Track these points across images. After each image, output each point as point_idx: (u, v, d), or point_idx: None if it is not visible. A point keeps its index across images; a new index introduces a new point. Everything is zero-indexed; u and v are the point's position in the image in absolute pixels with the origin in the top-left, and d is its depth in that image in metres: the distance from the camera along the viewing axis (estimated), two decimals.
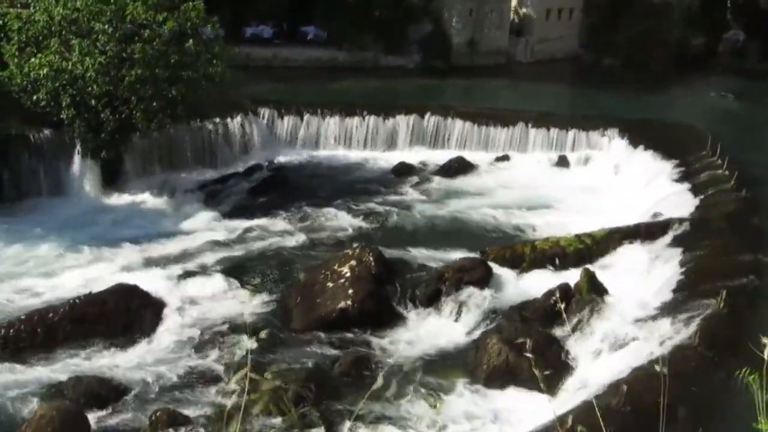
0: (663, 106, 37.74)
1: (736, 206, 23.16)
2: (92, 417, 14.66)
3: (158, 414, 14.62)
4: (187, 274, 20.62)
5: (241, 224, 24.46)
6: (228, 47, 27.65)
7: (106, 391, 15.56)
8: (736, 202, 23.43)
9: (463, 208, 26.67)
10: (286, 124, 32.52)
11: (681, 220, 22.10)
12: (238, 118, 30.50)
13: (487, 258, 20.73)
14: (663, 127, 32.20)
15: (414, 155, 32.02)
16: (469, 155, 31.48)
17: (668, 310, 17.08)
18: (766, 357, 4.18)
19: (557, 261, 20.09)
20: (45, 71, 23.73)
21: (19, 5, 27.72)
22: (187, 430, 14.45)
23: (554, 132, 32.13)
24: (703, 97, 42.65)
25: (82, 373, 16.15)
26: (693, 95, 42.65)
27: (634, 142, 30.27)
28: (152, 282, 19.70)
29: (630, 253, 20.89)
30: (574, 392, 15.01)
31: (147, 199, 26.22)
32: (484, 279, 19.50)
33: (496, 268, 20.17)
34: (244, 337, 17.52)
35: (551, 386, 15.52)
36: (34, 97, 24.04)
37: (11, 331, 17.22)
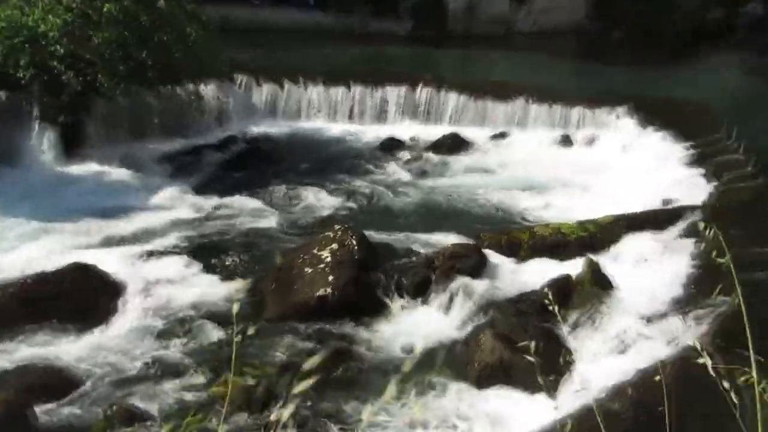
0: (675, 83, 37.36)
1: (754, 194, 22.86)
2: (40, 410, 14.18)
3: (114, 408, 14.19)
4: (151, 254, 20.07)
5: (212, 201, 24.00)
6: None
7: (56, 382, 15.09)
8: (753, 189, 23.13)
9: (457, 189, 26.26)
10: (265, 92, 32.00)
11: (693, 208, 21.78)
12: (213, 85, 29.97)
13: (482, 244, 20.34)
14: (675, 106, 31.84)
15: (404, 130, 31.57)
16: (465, 131, 31.08)
17: (678, 306, 16.77)
18: None
19: (559, 250, 19.76)
20: (1, 26, 23.20)
21: None
22: (146, 427, 14.09)
23: (557, 108, 31.70)
24: (718, 74, 42.33)
25: (29, 361, 15.66)
26: (708, 72, 42.32)
27: (644, 122, 29.96)
28: (111, 262, 19.20)
29: (638, 242, 20.49)
30: (574, 395, 14.68)
31: (110, 170, 25.68)
32: (478, 267, 19.09)
33: (491, 256, 19.76)
34: (210, 326, 17.15)
35: (549, 388, 15.23)
36: None
37: None
